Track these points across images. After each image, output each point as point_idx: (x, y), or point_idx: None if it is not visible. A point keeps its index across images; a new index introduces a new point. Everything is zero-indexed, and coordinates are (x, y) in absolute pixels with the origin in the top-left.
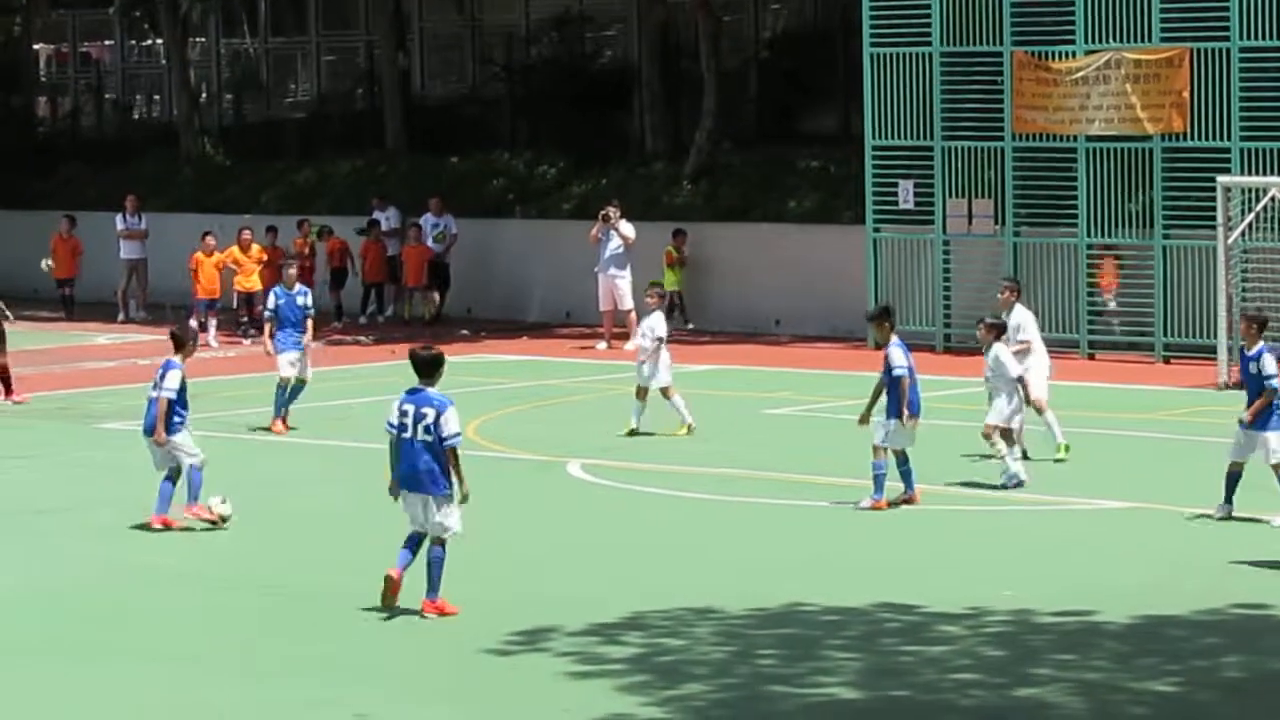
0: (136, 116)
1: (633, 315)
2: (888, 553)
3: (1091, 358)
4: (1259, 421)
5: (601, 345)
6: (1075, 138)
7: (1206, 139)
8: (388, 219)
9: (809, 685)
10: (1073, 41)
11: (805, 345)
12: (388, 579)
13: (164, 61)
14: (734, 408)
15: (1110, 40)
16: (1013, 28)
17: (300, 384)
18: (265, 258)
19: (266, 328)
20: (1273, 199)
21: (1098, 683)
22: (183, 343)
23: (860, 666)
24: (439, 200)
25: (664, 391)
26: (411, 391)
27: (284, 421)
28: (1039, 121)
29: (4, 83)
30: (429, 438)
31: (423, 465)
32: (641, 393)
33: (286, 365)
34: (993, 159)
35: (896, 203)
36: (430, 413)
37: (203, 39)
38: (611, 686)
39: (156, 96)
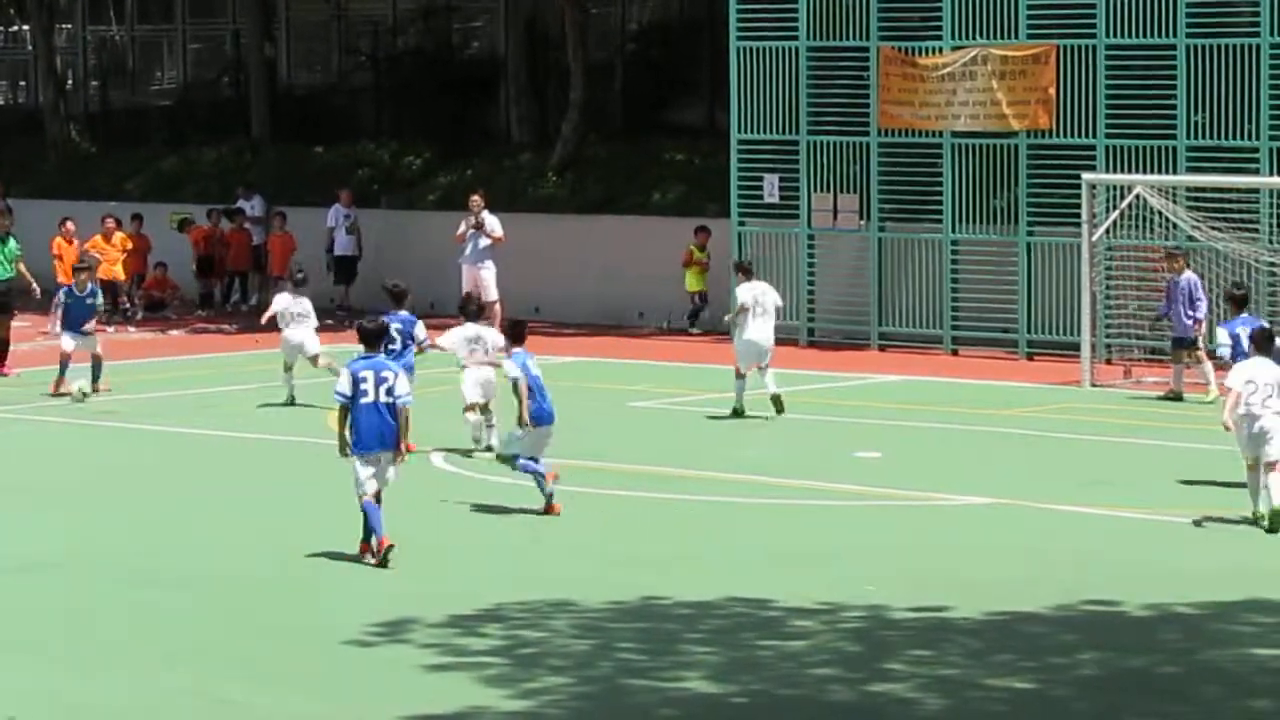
0: (2, 102)
1: (497, 306)
2: (743, 547)
3: (955, 353)
4: None
5: None
6: (941, 134)
7: (1072, 136)
8: (252, 207)
9: (668, 679)
10: (940, 37)
11: (669, 338)
12: (387, 546)
13: (30, 47)
14: (597, 400)
15: (977, 36)
16: (880, 23)
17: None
18: (130, 246)
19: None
20: (1137, 197)
21: (953, 679)
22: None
23: (718, 660)
24: (349, 193)
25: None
26: (364, 359)
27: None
28: (905, 117)
29: None
30: (389, 399)
31: (388, 425)
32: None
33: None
34: (858, 154)
35: (762, 197)
36: (390, 375)
37: (69, 25)
38: (472, 678)
39: (22, 82)
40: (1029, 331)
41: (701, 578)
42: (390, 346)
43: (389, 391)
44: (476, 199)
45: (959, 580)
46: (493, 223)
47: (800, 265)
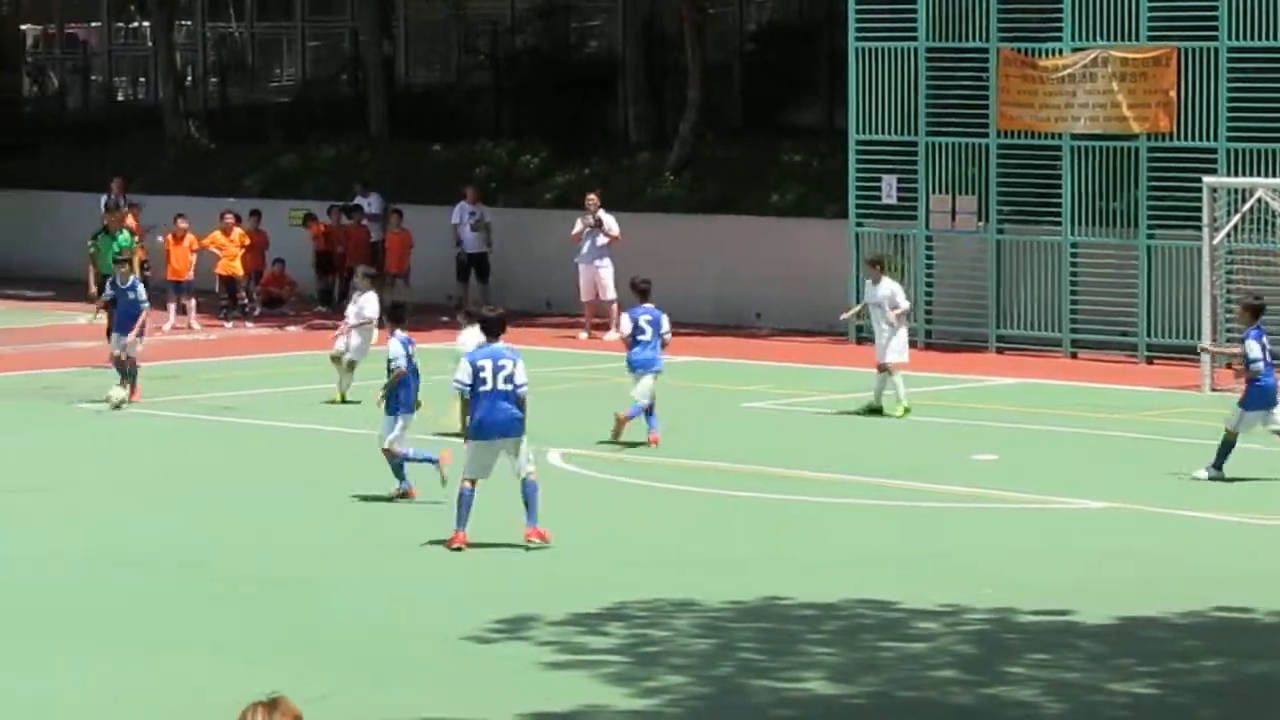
0: (121, 98)
1: (615, 305)
2: (864, 548)
3: (1074, 356)
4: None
5: (582, 335)
6: (1060, 135)
7: (1193, 139)
8: (370, 205)
9: (789, 679)
10: (1060, 39)
11: (785, 339)
12: (457, 545)
13: (150, 44)
14: (713, 401)
15: (1098, 38)
16: (999, 24)
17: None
18: (248, 242)
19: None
20: (1259, 200)
21: (1074, 683)
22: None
23: (839, 661)
24: (474, 189)
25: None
26: (484, 348)
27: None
28: (1024, 119)
29: None
30: (509, 386)
31: (510, 412)
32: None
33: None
34: (977, 155)
35: (880, 197)
36: (508, 364)
37: (189, 22)
38: (592, 676)
39: (142, 79)
40: (1149, 335)
41: (822, 579)
42: (640, 338)
43: (508, 379)
44: (593, 198)
45: (1079, 584)
46: (610, 222)
47: (918, 267)
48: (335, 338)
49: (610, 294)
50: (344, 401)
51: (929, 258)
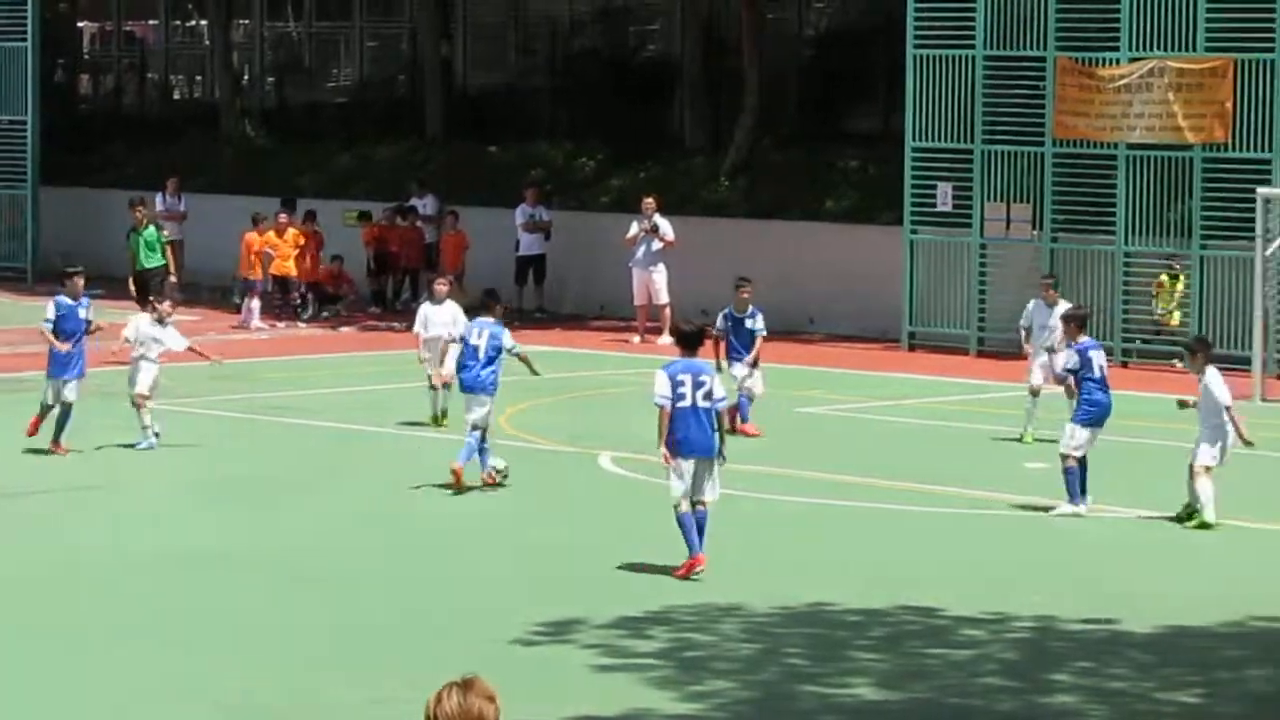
0: (178, 96)
1: (668, 310)
2: (910, 555)
3: (1125, 365)
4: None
5: (635, 339)
6: (1116, 145)
7: (1247, 150)
8: (425, 206)
9: (835, 685)
10: (1117, 48)
11: (839, 344)
12: (698, 567)
13: (207, 42)
14: (766, 405)
15: (1154, 48)
16: (1057, 33)
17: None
18: (302, 242)
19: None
20: None
21: (1121, 691)
22: None
23: (885, 668)
24: (535, 189)
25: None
26: (680, 362)
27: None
28: (1080, 127)
29: (49, 59)
30: (708, 404)
31: (709, 429)
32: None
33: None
34: (1032, 164)
35: (935, 205)
36: (707, 380)
37: (246, 21)
38: (638, 680)
39: (199, 77)
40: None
41: (870, 584)
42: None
43: (707, 395)
44: (649, 202)
45: (1126, 593)
46: (665, 226)
47: (972, 274)
48: (442, 367)
49: (664, 298)
50: (438, 422)
51: (983, 266)
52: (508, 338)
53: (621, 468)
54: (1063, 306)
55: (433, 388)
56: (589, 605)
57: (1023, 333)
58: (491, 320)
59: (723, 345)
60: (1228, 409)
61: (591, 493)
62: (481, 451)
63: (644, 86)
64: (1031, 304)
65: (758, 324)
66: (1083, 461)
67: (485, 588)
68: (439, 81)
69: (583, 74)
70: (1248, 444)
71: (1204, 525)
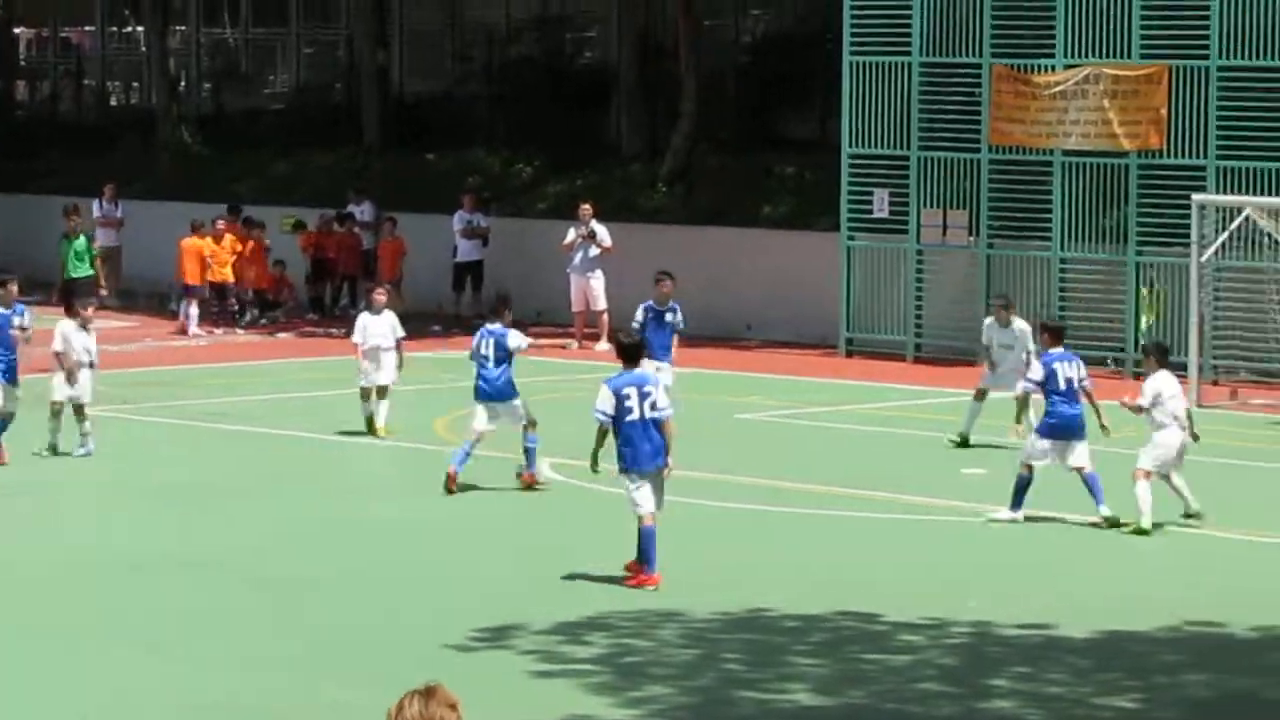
0: (115, 103)
1: (605, 316)
2: (848, 561)
3: None
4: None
5: (573, 345)
6: (1052, 151)
7: (1182, 156)
8: (363, 212)
9: (773, 691)
10: (1052, 55)
11: (776, 350)
12: (653, 584)
13: (144, 49)
14: (705, 412)
15: (1090, 55)
16: (992, 40)
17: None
18: (239, 249)
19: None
20: (1246, 218)
21: (1058, 696)
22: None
23: (823, 673)
24: (472, 196)
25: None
26: (625, 375)
27: None
28: (1016, 134)
29: None
30: (655, 414)
31: (657, 442)
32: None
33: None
34: (969, 170)
35: (872, 211)
36: (652, 390)
37: (183, 27)
38: (576, 686)
39: (135, 83)
40: (1136, 351)
41: (808, 590)
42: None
43: (653, 406)
44: (586, 208)
45: (1064, 599)
46: (603, 233)
47: (909, 281)
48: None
49: (601, 304)
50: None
51: (919, 272)
52: (513, 338)
53: (560, 474)
54: (1018, 325)
55: (365, 398)
56: (527, 611)
57: (984, 351)
58: (499, 326)
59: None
60: (1123, 402)
61: (529, 499)
62: (527, 452)
63: (581, 93)
64: (986, 323)
65: (678, 318)
66: (1031, 472)
67: (423, 594)
68: (376, 88)
69: (519, 81)
70: (1103, 429)
71: (1140, 531)
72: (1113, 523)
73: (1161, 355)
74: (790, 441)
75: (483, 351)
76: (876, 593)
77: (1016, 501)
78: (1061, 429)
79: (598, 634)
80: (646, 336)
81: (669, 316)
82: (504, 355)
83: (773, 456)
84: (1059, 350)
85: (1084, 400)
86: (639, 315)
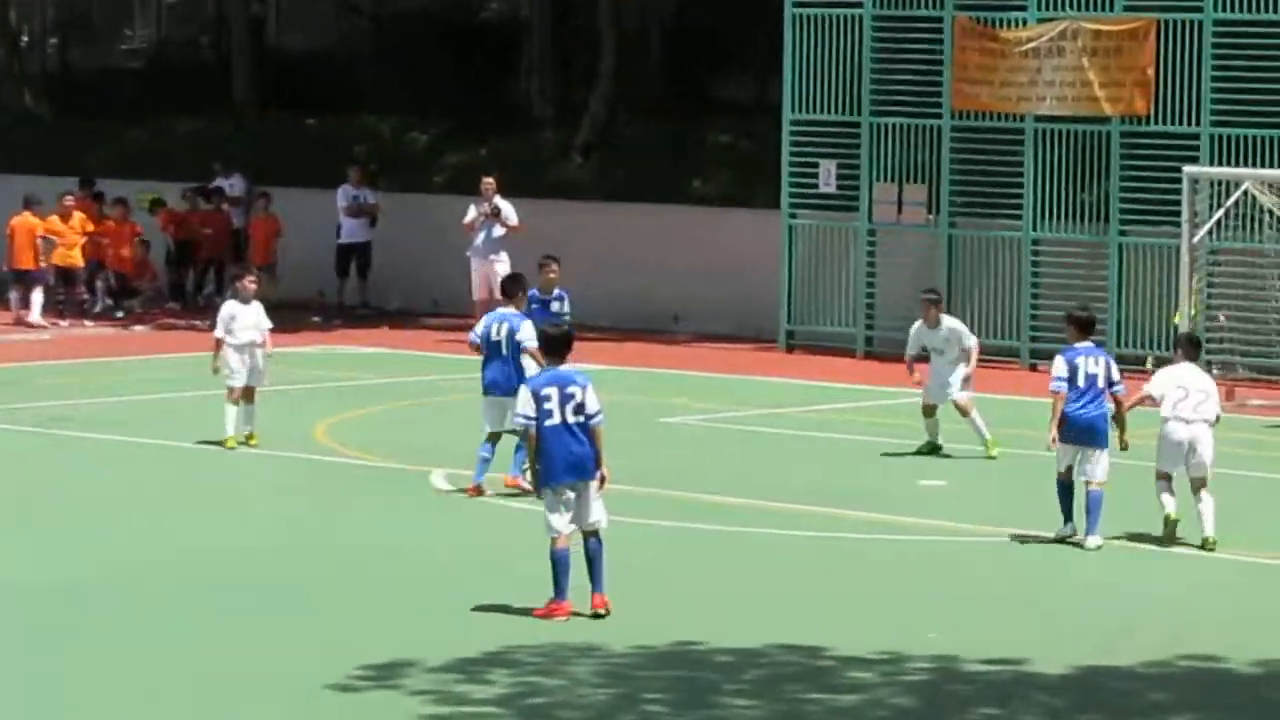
0: None
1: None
2: (790, 587)
3: (1034, 369)
4: None
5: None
6: (1023, 118)
7: (1172, 123)
8: (232, 186)
9: None
10: (1024, 7)
11: (707, 345)
12: (563, 615)
13: None
14: (625, 415)
15: (1067, 7)
16: None
17: None
18: (90, 228)
19: None
20: (1245, 193)
21: None
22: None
23: (758, 716)
24: (359, 169)
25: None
26: (547, 373)
27: None
28: (982, 98)
29: None
30: (580, 418)
31: (580, 449)
32: None
33: None
34: (928, 139)
35: (817, 185)
36: (578, 391)
37: None
38: None
39: None
40: (1119, 345)
41: (745, 621)
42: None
43: (578, 409)
44: (489, 182)
45: (1036, 628)
46: (508, 210)
47: (859, 265)
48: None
49: None
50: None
51: (871, 255)
52: (525, 329)
53: (457, 486)
54: (948, 325)
55: (234, 402)
56: (421, 645)
57: (908, 361)
58: (514, 311)
59: None
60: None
61: (423, 516)
62: (518, 450)
63: (485, 51)
64: (914, 328)
65: (564, 307)
66: (1062, 481)
67: (302, 626)
68: (248, 44)
69: (414, 36)
70: (1122, 444)
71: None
72: (1069, 541)
73: (1191, 348)
74: (722, 450)
75: (495, 338)
76: (822, 623)
77: (1064, 514)
78: (1077, 433)
79: (501, 671)
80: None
81: (555, 306)
82: (518, 347)
83: (702, 467)
84: (1087, 344)
85: (1110, 404)
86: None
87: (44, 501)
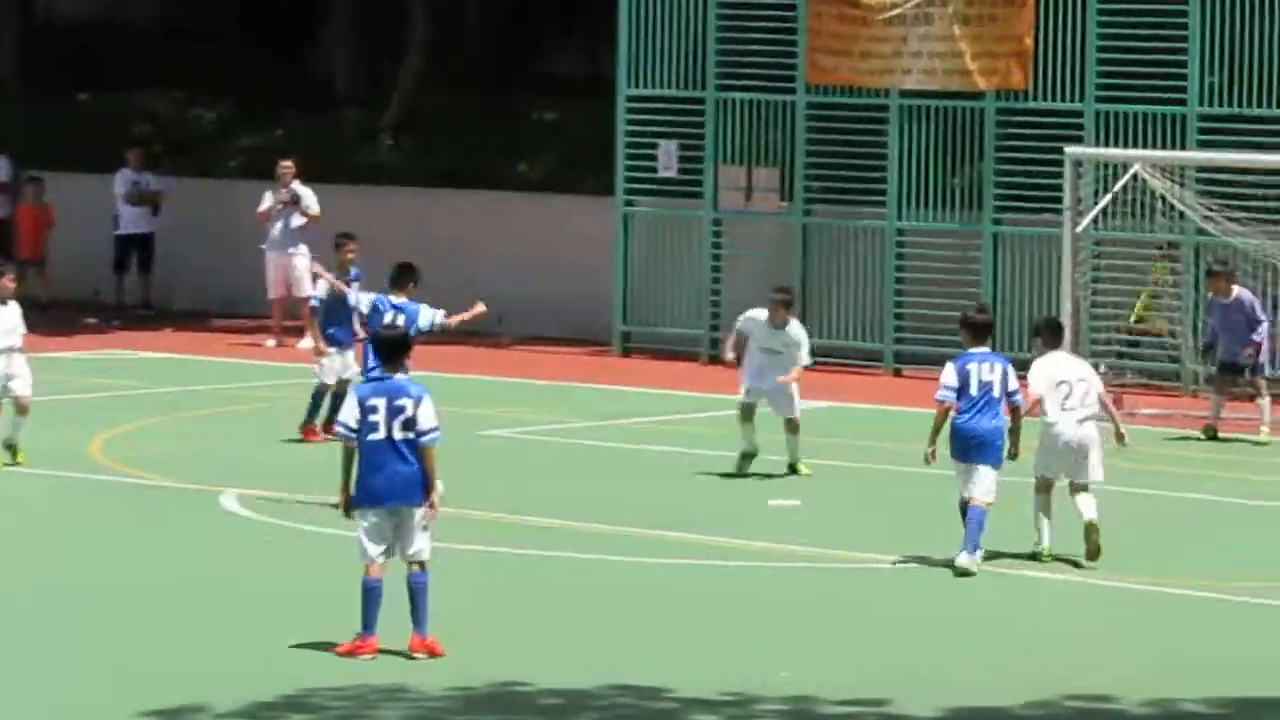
0: None
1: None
2: (625, 620)
3: (898, 374)
4: None
5: (270, 342)
6: (887, 93)
7: (1053, 99)
8: None
9: None
10: None
11: (533, 348)
12: (368, 652)
13: None
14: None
15: None
16: None
17: None
18: None
19: None
20: (1135, 177)
21: None
22: None
23: None
24: (140, 151)
25: None
26: (374, 381)
27: None
28: (841, 71)
29: None
30: (409, 434)
31: (405, 470)
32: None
33: None
34: (780, 116)
35: (655, 169)
36: (408, 404)
37: None
38: None
39: None
40: (996, 345)
41: (573, 659)
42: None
43: (407, 424)
44: (287, 166)
45: (900, 664)
46: (309, 197)
47: (703, 257)
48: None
49: (306, 289)
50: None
51: (717, 246)
52: (426, 315)
53: (250, 510)
54: (794, 333)
55: None
56: (208, 688)
57: (728, 344)
58: (405, 300)
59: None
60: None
61: (211, 543)
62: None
63: (281, 20)
64: (749, 314)
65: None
66: (962, 503)
67: (79, 667)
68: (15, 9)
69: (202, 4)
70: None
71: (964, 573)
72: (961, 572)
73: (1053, 335)
74: (549, 466)
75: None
76: (660, 661)
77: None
78: (965, 447)
79: (298, 716)
80: (324, 323)
81: (354, 285)
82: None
83: (526, 485)
84: (981, 350)
85: (1007, 416)
86: (319, 290)
87: None
